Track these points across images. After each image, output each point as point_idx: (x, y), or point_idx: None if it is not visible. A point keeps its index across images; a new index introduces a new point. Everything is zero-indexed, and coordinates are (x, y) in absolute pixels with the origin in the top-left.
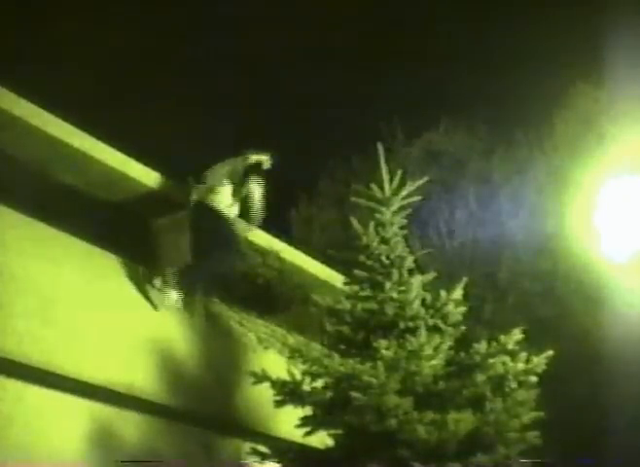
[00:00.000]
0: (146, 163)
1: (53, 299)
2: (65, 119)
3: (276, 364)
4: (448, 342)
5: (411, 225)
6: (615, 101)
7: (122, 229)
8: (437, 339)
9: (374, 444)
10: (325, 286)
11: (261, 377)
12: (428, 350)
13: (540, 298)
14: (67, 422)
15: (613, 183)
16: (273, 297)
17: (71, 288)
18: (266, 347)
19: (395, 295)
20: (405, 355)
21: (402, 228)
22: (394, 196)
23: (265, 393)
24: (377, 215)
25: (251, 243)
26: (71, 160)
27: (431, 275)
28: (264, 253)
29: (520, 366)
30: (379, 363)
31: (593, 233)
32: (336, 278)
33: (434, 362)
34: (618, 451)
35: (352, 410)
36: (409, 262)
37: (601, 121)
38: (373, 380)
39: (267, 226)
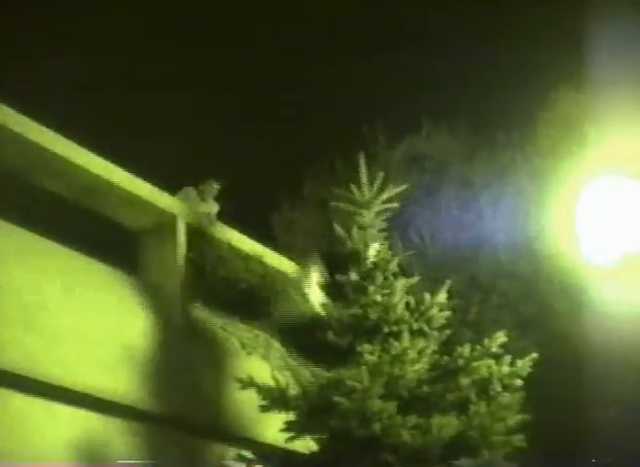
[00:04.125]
0: (130, 171)
1: (36, 306)
2: (48, 125)
3: (260, 369)
4: (433, 346)
5: (394, 228)
6: (596, 104)
7: (104, 236)
8: (421, 342)
9: (359, 448)
10: (306, 290)
11: (247, 384)
12: (412, 354)
13: (523, 299)
14: (51, 428)
15: (594, 185)
16: (256, 301)
17: (54, 295)
18: (249, 353)
19: (379, 298)
20: (389, 359)
21: (382, 230)
22: (374, 199)
23: (248, 399)
24: (358, 218)
25: (234, 248)
26: (53, 167)
27: (415, 279)
28: (247, 258)
29: (505, 369)
30: (363, 368)
31: (575, 235)
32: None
33: (418, 366)
34: (599, 451)
35: (336, 414)
36: (394, 265)
37: (583, 123)
38: (357, 385)
39: (250, 230)
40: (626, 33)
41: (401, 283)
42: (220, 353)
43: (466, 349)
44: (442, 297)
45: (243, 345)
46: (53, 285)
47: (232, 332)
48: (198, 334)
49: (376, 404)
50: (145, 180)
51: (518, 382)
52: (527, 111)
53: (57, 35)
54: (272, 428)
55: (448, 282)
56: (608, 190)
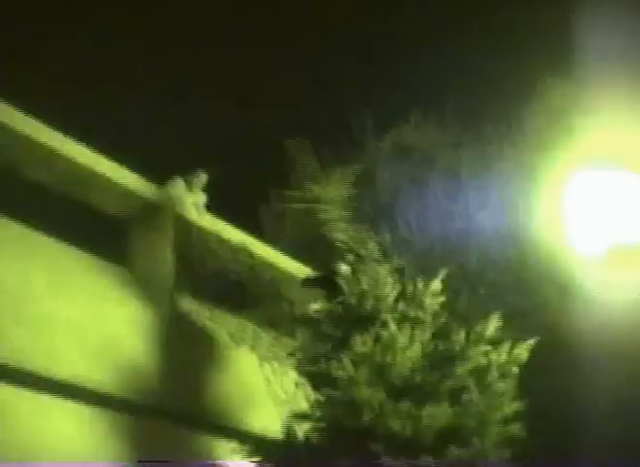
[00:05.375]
0: (117, 161)
1: (23, 297)
2: (34, 116)
3: (247, 360)
4: (428, 333)
5: (381, 218)
6: (584, 95)
7: (92, 227)
8: (410, 329)
9: (350, 438)
10: (296, 282)
11: None
12: (402, 341)
13: (511, 290)
14: (38, 419)
15: (582, 175)
16: (245, 293)
17: (41, 286)
18: (237, 344)
19: (366, 287)
20: (379, 348)
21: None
22: (328, 190)
23: (235, 389)
24: (322, 214)
25: (222, 239)
26: (40, 157)
27: (399, 262)
28: (235, 249)
29: (503, 356)
30: (345, 358)
31: (563, 226)
32: (307, 273)
33: (409, 353)
34: (590, 442)
35: (328, 404)
36: (371, 248)
37: (570, 114)
38: (342, 374)
39: (239, 221)
40: (614, 24)
41: (384, 269)
42: (208, 344)
43: (461, 335)
44: (436, 284)
45: (231, 336)
46: (41, 276)
47: (220, 323)
48: (186, 325)
49: (365, 392)
50: (133, 171)
51: (515, 369)
52: (515, 102)
53: (42, 24)
54: (259, 418)
55: (443, 271)
56: (595, 180)
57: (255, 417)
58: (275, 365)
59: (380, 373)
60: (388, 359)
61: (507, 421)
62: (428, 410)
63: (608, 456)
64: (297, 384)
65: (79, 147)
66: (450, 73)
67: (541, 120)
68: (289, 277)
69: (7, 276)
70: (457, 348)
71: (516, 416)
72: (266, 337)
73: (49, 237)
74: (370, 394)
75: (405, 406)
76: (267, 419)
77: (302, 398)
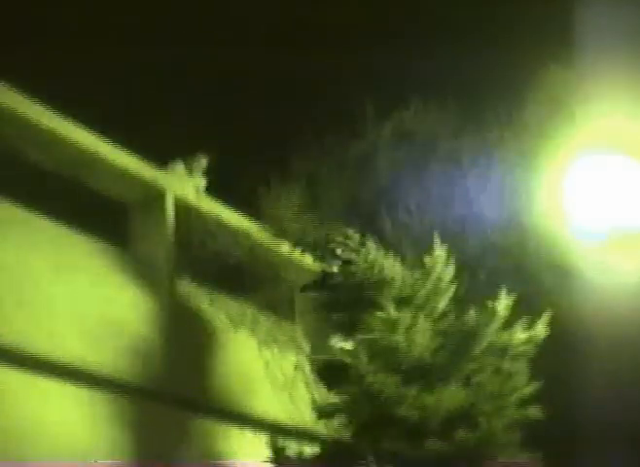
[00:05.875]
0: (118, 145)
1: (25, 281)
2: (36, 99)
3: (247, 343)
4: (443, 303)
5: (382, 203)
6: (585, 82)
7: (93, 210)
8: (414, 309)
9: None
10: (295, 265)
11: None
12: (407, 321)
13: (511, 275)
14: (38, 401)
15: (582, 163)
16: (244, 276)
17: (42, 270)
18: (236, 327)
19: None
20: (386, 329)
21: None
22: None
23: (235, 373)
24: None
25: (222, 222)
26: (42, 140)
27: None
28: (234, 232)
29: (521, 335)
30: (359, 346)
31: (563, 212)
32: (306, 258)
33: (418, 334)
34: (590, 426)
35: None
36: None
37: (571, 101)
38: (358, 363)
39: (238, 205)
40: (614, 12)
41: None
42: (207, 327)
43: (474, 314)
44: (439, 251)
45: (231, 320)
46: (42, 259)
47: (220, 306)
48: (186, 308)
49: (379, 378)
50: (133, 154)
51: (533, 349)
52: (515, 89)
53: (43, 8)
54: (259, 402)
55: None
56: (596, 167)
57: (254, 401)
58: (275, 349)
59: (391, 356)
60: (397, 340)
61: (522, 403)
62: (440, 392)
63: (606, 438)
64: (296, 368)
65: (80, 130)
66: (451, 61)
67: (542, 107)
68: (288, 261)
69: (8, 259)
70: (471, 327)
71: (532, 398)
72: (265, 320)
73: (50, 221)
74: (383, 380)
75: (415, 389)
76: (267, 403)
77: (301, 382)
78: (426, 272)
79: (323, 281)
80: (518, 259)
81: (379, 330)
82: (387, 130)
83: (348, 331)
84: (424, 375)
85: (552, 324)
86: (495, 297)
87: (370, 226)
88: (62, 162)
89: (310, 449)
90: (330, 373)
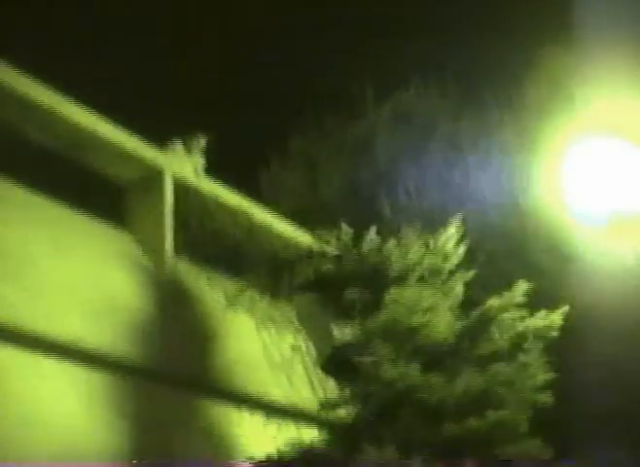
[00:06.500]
0: (117, 124)
1: (22, 259)
2: (35, 78)
3: (244, 323)
4: (458, 287)
5: (381, 185)
6: (583, 64)
7: (91, 189)
8: (432, 288)
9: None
10: (294, 246)
11: None
12: (427, 301)
13: (509, 257)
14: (36, 379)
15: (582, 145)
16: (242, 256)
17: (40, 248)
18: (234, 307)
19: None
20: (404, 310)
21: None
22: None
23: (234, 352)
24: None
25: (221, 202)
26: (41, 120)
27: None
28: (233, 212)
29: (540, 322)
30: (372, 330)
31: (562, 194)
32: (304, 238)
33: (438, 315)
34: (589, 410)
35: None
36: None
37: (570, 83)
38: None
39: (237, 185)
40: None
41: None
42: (205, 307)
43: (495, 301)
44: (452, 230)
45: (228, 300)
46: (40, 238)
47: (218, 286)
48: (184, 288)
49: (395, 367)
50: (132, 133)
51: (553, 335)
52: (515, 70)
53: None
54: (258, 382)
55: (459, 215)
56: (595, 150)
57: (252, 380)
58: (272, 329)
59: (409, 339)
60: (418, 321)
61: (537, 389)
62: (457, 376)
63: (603, 421)
64: (293, 349)
65: (79, 109)
66: (452, 42)
67: (541, 89)
68: (287, 241)
69: (7, 238)
70: (491, 314)
71: (547, 385)
72: (262, 301)
73: (48, 200)
74: (399, 368)
75: (435, 375)
76: (265, 383)
77: (299, 363)
78: (438, 251)
79: (320, 281)
80: (518, 241)
81: (398, 311)
82: (387, 112)
83: (353, 315)
84: (443, 359)
85: (549, 305)
86: (488, 281)
87: (368, 207)
88: (61, 142)
89: (308, 431)
90: (337, 365)
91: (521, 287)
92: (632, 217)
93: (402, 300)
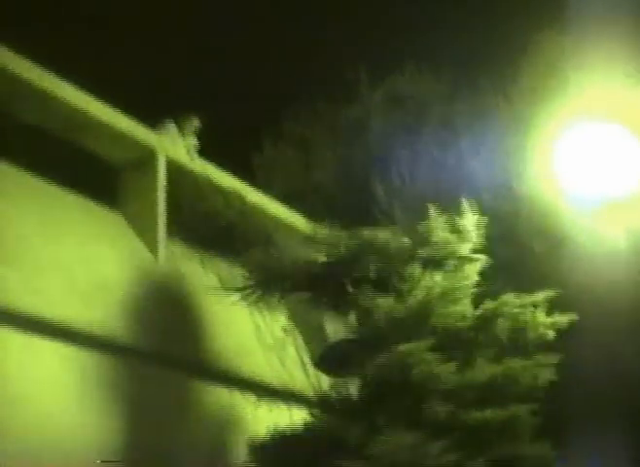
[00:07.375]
0: (110, 105)
1: (15, 239)
2: (28, 59)
3: (237, 305)
4: (474, 274)
5: (375, 168)
6: (579, 48)
7: (84, 170)
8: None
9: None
10: (287, 228)
11: None
12: (442, 287)
13: (502, 241)
14: (27, 359)
15: (576, 130)
16: (236, 238)
17: (33, 229)
18: (227, 289)
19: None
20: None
21: None
22: None
23: (227, 334)
24: None
25: (214, 184)
26: (34, 100)
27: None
28: (226, 194)
29: (545, 318)
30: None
31: (556, 178)
32: (298, 221)
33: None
34: (581, 399)
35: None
36: None
37: (566, 67)
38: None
39: (231, 167)
40: None
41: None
42: (198, 289)
43: (511, 298)
44: (469, 218)
45: (221, 282)
46: (32, 218)
47: (211, 268)
48: (176, 269)
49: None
50: (125, 114)
51: (551, 334)
52: (510, 54)
53: None
54: (253, 364)
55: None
56: (589, 134)
57: (247, 362)
58: (264, 311)
59: (423, 324)
60: (434, 306)
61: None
62: (471, 366)
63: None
64: (285, 330)
65: (73, 90)
66: (446, 24)
67: (536, 72)
68: (280, 223)
69: None
70: (504, 308)
71: (548, 384)
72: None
73: (41, 181)
74: (413, 347)
75: (451, 364)
76: (258, 364)
77: (291, 345)
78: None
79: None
80: (511, 225)
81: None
82: (381, 95)
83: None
84: (457, 346)
85: (541, 290)
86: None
87: (362, 190)
88: (54, 122)
89: (299, 412)
90: (335, 360)
91: (544, 294)
92: (625, 201)
93: (434, 285)
